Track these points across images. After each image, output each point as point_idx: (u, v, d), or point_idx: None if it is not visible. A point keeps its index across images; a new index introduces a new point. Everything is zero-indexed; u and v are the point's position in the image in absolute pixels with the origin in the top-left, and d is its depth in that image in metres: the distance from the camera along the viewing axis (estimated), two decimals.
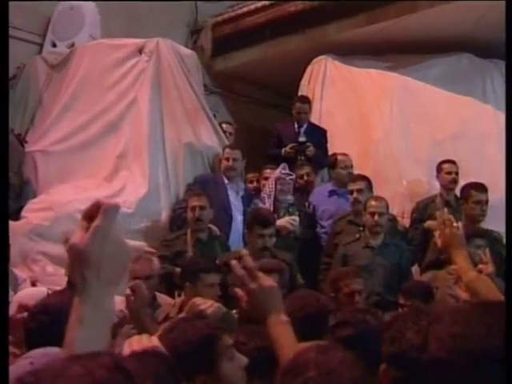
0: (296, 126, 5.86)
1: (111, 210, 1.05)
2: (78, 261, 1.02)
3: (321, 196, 5.40)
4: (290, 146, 5.65)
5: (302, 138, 5.71)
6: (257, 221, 4.22)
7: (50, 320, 1.80)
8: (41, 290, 3.20)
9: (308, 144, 5.64)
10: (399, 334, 1.41)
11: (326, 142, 5.85)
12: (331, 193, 5.37)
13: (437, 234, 2.39)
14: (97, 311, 1.02)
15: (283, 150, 5.67)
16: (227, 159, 5.16)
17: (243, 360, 1.83)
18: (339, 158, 5.41)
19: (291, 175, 5.13)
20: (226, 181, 5.16)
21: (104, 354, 0.89)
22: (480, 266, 2.78)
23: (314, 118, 6.07)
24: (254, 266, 1.58)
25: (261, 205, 4.95)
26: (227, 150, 5.25)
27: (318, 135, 5.81)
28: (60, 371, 0.82)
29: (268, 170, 5.45)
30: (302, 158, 5.63)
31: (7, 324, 1.45)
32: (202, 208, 4.49)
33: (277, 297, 1.58)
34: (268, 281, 1.58)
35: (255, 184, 5.58)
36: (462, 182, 4.96)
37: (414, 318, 1.41)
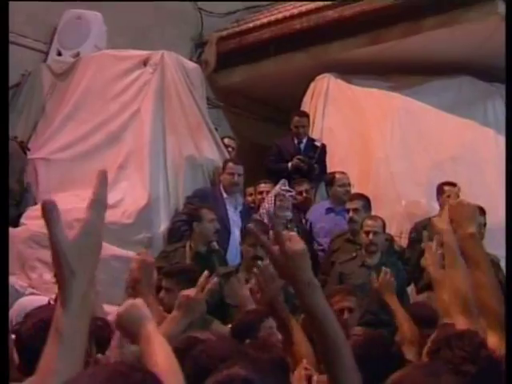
0: (296, 140, 5.93)
1: (98, 202, 1.07)
2: (65, 253, 1.03)
3: (318, 213, 5.44)
4: (298, 157, 5.69)
5: (317, 143, 5.83)
6: (247, 231, 4.33)
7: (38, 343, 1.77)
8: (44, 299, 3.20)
9: (315, 163, 5.71)
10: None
11: (325, 156, 5.90)
12: (328, 210, 5.41)
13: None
14: (81, 303, 1.04)
15: (290, 164, 5.71)
16: (231, 174, 5.18)
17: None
18: (337, 176, 5.47)
19: (291, 191, 5.17)
20: (224, 195, 5.19)
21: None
22: None
23: (316, 135, 6.11)
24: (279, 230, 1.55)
25: (258, 225, 4.95)
26: (231, 164, 5.27)
27: (318, 150, 5.86)
28: None
29: (262, 185, 5.49)
30: (305, 168, 5.66)
31: (7, 324, 1.46)
32: (212, 220, 4.60)
33: (306, 262, 1.53)
34: (296, 245, 1.53)
35: (253, 197, 5.61)
36: None
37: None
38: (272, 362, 1.80)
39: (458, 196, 2.04)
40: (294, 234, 1.59)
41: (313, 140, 5.99)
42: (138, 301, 1.59)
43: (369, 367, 1.57)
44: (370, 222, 4.52)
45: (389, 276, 3.46)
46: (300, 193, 5.55)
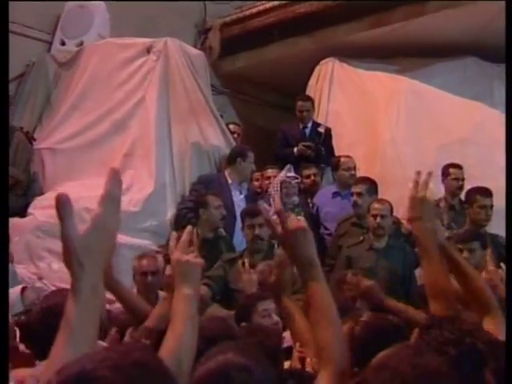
0: (301, 125, 5.92)
1: (109, 198, 1.09)
2: (75, 247, 1.06)
3: (324, 198, 5.43)
4: (304, 143, 5.69)
5: (321, 129, 5.80)
6: (245, 213, 4.40)
7: (56, 321, 1.77)
8: None
9: (321, 148, 5.71)
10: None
11: (331, 139, 5.88)
12: (335, 194, 5.40)
13: None
14: (91, 296, 1.07)
15: (296, 149, 5.70)
16: (251, 163, 5.25)
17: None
18: (342, 159, 5.45)
19: (297, 178, 5.16)
20: (229, 181, 5.19)
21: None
22: (485, 273, 2.78)
23: (321, 119, 6.10)
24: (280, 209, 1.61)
25: (265, 206, 4.95)
26: (251, 154, 5.29)
27: (323, 134, 5.84)
28: None
29: (269, 170, 5.50)
30: (312, 154, 5.67)
31: (7, 324, 1.48)
32: (219, 207, 4.64)
33: (307, 240, 1.59)
34: (296, 223, 1.59)
35: (260, 182, 5.62)
36: (468, 187, 4.97)
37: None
38: (261, 347, 1.82)
39: (427, 187, 2.08)
40: (293, 216, 1.63)
41: (318, 125, 5.97)
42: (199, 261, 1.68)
43: (369, 352, 1.59)
44: (377, 206, 4.50)
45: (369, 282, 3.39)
46: (308, 176, 5.55)
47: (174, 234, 1.81)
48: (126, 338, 2.02)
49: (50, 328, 1.28)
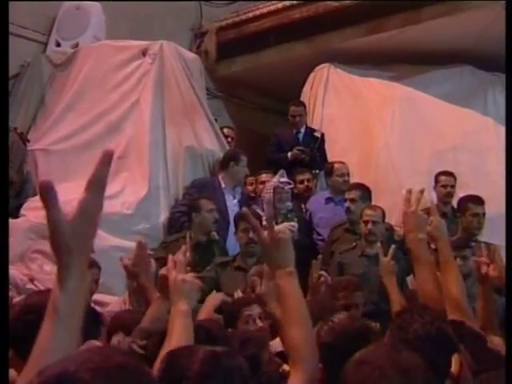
0: (294, 130, 5.93)
1: (95, 183, 1.07)
2: (63, 233, 1.04)
3: (317, 203, 5.43)
4: (298, 148, 5.69)
5: (317, 133, 5.82)
6: (239, 217, 4.42)
7: (36, 319, 1.76)
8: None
9: (316, 154, 5.73)
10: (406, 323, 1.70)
11: (324, 145, 5.88)
12: (328, 200, 5.40)
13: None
14: (79, 282, 1.05)
15: (290, 154, 5.71)
16: (244, 166, 5.27)
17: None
18: (336, 166, 5.46)
19: (290, 184, 5.16)
20: (223, 185, 5.19)
21: None
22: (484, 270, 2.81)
23: (316, 124, 6.11)
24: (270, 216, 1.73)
25: (259, 211, 4.98)
26: (242, 156, 5.31)
27: (316, 139, 5.85)
28: None
29: (264, 175, 5.49)
30: (306, 159, 5.67)
31: (7, 323, 1.47)
32: (211, 211, 4.64)
33: (287, 249, 1.65)
34: (281, 233, 1.67)
35: (254, 186, 5.62)
36: (461, 194, 4.99)
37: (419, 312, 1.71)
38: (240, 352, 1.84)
39: (419, 201, 2.37)
40: (284, 226, 1.70)
41: (312, 130, 5.98)
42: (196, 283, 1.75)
43: (335, 353, 1.67)
44: (369, 212, 4.51)
45: (389, 258, 3.42)
46: (301, 182, 5.56)
47: (171, 256, 1.87)
48: (114, 342, 2.02)
49: (30, 326, 1.29)
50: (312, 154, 5.73)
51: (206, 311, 2.70)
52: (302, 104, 6.04)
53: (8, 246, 1.97)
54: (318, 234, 5.31)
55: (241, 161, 5.23)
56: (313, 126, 6.08)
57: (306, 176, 5.58)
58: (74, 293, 1.04)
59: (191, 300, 1.76)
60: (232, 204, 5.16)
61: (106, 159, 1.07)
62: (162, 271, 2.18)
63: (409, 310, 1.85)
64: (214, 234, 4.69)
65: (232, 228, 4.87)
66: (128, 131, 5.37)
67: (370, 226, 4.44)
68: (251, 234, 4.17)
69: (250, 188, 5.61)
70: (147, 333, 2.06)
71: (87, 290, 1.10)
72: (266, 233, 1.65)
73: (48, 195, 1.04)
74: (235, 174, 5.22)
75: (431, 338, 1.72)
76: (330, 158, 5.82)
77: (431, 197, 5.20)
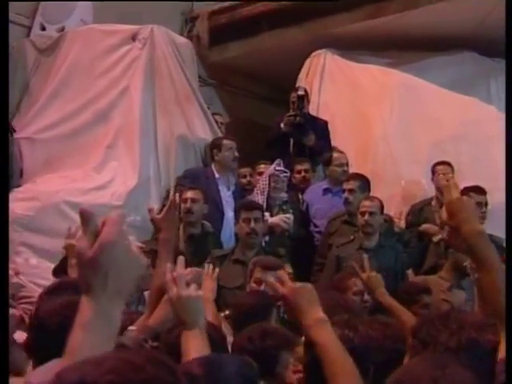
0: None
1: (118, 220, 1.04)
2: (84, 268, 1.00)
3: (314, 194, 5.40)
4: (289, 114, 5.61)
5: (300, 92, 5.70)
6: (242, 206, 4.38)
7: (58, 327, 1.68)
8: None
9: (304, 108, 5.62)
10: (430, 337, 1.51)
11: (329, 133, 5.83)
12: (325, 191, 5.37)
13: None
14: (102, 318, 0.99)
15: (282, 124, 5.62)
16: (230, 149, 5.17)
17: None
18: (334, 155, 5.42)
19: (286, 172, 5.12)
20: (216, 175, 5.15)
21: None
22: None
23: (312, 112, 6.04)
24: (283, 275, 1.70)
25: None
26: (226, 141, 5.23)
27: (320, 127, 5.79)
28: None
29: (262, 166, 5.44)
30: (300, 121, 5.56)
31: (7, 323, 1.41)
32: (193, 200, 4.52)
33: (311, 294, 1.63)
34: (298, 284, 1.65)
35: (248, 178, 5.58)
36: (462, 185, 4.94)
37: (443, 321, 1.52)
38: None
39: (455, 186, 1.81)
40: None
41: (314, 118, 5.90)
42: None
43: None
44: (366, 203, 4.48)
45: (374, 272, 3.34)
46: (299, 172, 5.52)
47: (169, 265, 1.80)
48: (127, 340, 1.96)
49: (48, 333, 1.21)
50: (304, 116, 5.62)
51: (210, 312, 2.65)
52: (304, 91, 5.93)
53: (8, 245, 1.90)
54: (315, 226, 5.28)
55: (223, 146, 5.17)
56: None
57: (304, 166, 5.54)
58: (96, 332, 0.98)
59: (201, 317, 1.71)
60: (226, 195, 5.11)
61: (119, 220, 1.04)
62: (156, 282, 2.13)
63: (429, 321, 1.64)
64: (209, 225, 4.66)
65: (227, 220, 4.86)
66: (117, 120, 5.31)
67: (367, 217, 4.41)
68: (252, 224, 4.13)
69: (243, 181, 5.57)
70: (154, 333, 2.01)
71: (114, 330, 1.02)
72: (282, 287, 1.64)
73: (85, 223, 1.02)
74: (222, 161, 5.17)
75: (464, 349, 1.54)
76: None
77: (432, 188, 5.21)
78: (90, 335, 0.96)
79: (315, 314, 1.58)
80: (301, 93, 5.72)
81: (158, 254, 2.45)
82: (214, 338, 1.89)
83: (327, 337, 1.54)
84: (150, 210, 2.64)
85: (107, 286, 0.99)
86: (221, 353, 1.83)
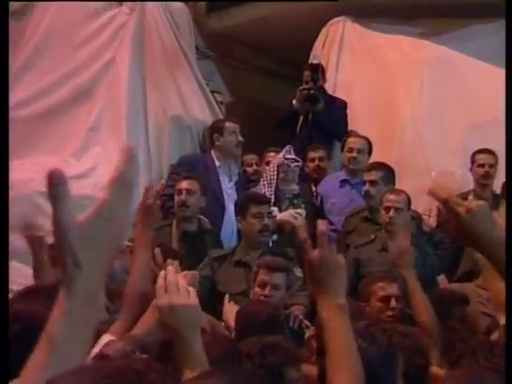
0: None
1: (121, 182, 1.07)
2: (71, 240, 1.01)
3: (330, 186, 5.43)
4: (301, 88, 5.64)
5: (315, 60, 5.75)
6: (250, 199, 4.36)
7: (22, 329, 1.76)
8: None
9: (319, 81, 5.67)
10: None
11: (346, 116, 5.84)
12: (343, 183, 5.40)
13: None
14: (86, 306, 1.01)
15: (294, 101, 5.67)
16: (233, 133, 5.19)
17: None
18: (348, 139, 5.44)
19: (297, 161, 5.13)
20: (217, 163, 5.19)
21: None
22: None
23: (328, 91, 6.06)
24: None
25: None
26: (229, 124, 5.25)
27: (338, 108, 5.81)
28: None
29: (271, 154, 5.47)
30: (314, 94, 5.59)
31: (7, 322, 1.46)
32: (189, 192, 4.54)
33: (340, 276, 1.66)
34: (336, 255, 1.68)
35: (254, 167, 5.62)
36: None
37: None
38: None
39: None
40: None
41: (332, 98, 5.92)
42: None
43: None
44: (391, 197, 4.47)
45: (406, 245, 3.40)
46: (312, 160, 5.55)
47: (162, 272, 1.81)
48: (111, 352, 1.98)
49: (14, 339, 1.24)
50: (318, 89, 5.66)
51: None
52: (320, 67, 5.95)
53: (8, 244, 1.96)
54: (331, 223, 5.26)
55: (225, 129, 5.20)
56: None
57: (319, 153, 5.55)
58: (76, 318, 1.00)
59: (197, 330, 1.72)
60: (227, 186, 5.15)
61: (128, 154, 1.08)
62: (131, 281, 2.14)
63: (451, 327, 1.72)
64: (206, 221, 4.68)
65: (228, 215, 4.87)
66: (101, 97, 5.33)
67: (391, 213, 4.41)
68: (266, 220, 4.14)
69: (249, 170, 5.59)
70: (141, 344, 2.02)
71: (96, 316, 1.06)
72: (315, 251, 1.65)
73: (57, 188, 1.02)
74: (224, 147, 5.19)
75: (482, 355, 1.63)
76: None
77: (468, 179, 5.21)
78: (71, 324, 0.99)
79: (337, 298, 1.61)
80: (315, 61, 5.76)
81: (133, 251, 2.49)
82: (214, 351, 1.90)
83: (341, 325, 1.58)
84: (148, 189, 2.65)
85: (98, 263, 1.02)
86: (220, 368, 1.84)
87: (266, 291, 3.51)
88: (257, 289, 3.56)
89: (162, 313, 1.71)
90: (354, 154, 5.29)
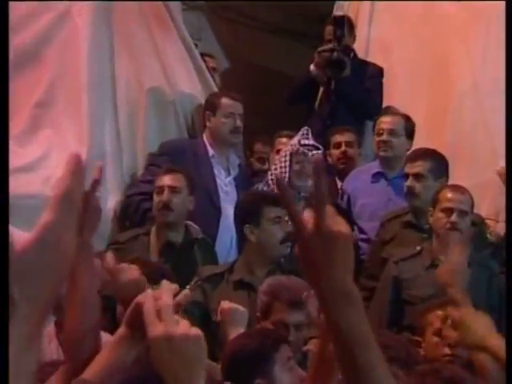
0: None
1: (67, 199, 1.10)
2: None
3: (360, 181, 5.48)
4: (321, 48, 5.72)
5: (339, 12, 5.85)
6: (264, 199, 4.39)
7: None
8: None
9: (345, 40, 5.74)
10: None
11: (382, 87, 5.90)
12: (376, 177, 5.46)
13: None
14: (21, 354, 1.04)
15: (312, 65, 5.74)
16: (230, 116, 5.19)
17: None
18: (380, 118, 5.47)
19: (317, 148, 5.11)
20: (211, 152, 5.20)
21: None
22: None
23: (359, 53, 6.10)
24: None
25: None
26: (226, 100, 5.25)
27: (370, 76, 5.89)
28: None
29: (283, 139, 5.51)
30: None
31: (7, 321, 1.49)
32: (173, 190, 4.57)
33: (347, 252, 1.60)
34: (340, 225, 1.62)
35: (260, 155, 5.82)
36: None
37: None
38: None
39: None
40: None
41: (361, 61, 5.97)
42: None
43: None
44: (450, 195, 4.48)
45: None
46: (337, 145, 5.58)
47: (150, 294, 1.80)
48: None
49: None
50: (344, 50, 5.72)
51: None
52: (347, 20, 5.97)
53: (8, 243, 1.99)
54: (361, 231, 5.37)
55: (220, 107, 5.22)
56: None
57: (345, 137, 5.61)
58: (11, 369, 1.02)
59: (202, 370, 1.69)
60: (224, 182, 5.20)
61: (76, 167, 1.09)
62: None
63: None
64: (197, 229, 4.71)
65: (225, 219, 4.88)
66: (52, 61, 5.29)
67: (454, 217, 4.41)
68: (288, 227, 4.12)
69: (258, 165, 5.72)
70: None
71: (35, 359, 1.08)
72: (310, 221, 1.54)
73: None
74: (215, 131, 5.24)
75: None
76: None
77: None
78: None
79: (344, 284, 1.54)
80: (340, 13, 5.85)
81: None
82: None
83: (353, 319, 1.55)
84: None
85: (38, 296, 1.06)
86: None
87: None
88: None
89: (155, 347, 1.67)
90: (384, 137, 5.31)
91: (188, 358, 1.66)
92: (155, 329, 1.67)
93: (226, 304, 3.58)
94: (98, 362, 2.13)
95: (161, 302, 1.73)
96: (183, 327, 1.67)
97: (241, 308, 3.52)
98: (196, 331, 1.68)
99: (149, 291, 1.92)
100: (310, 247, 1.54)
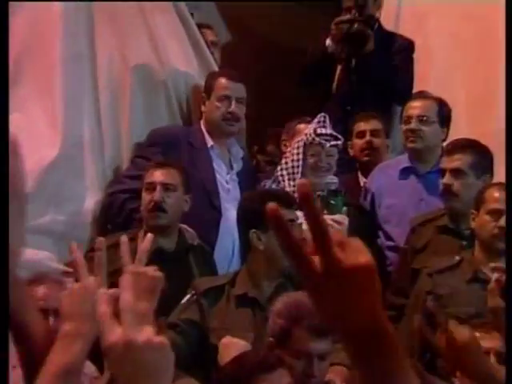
0: None
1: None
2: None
3: (387, 178, 5.52)
4: (338, 19, 5.80)
5: None
6: (275, 200, 4.25)
7: None
8: None
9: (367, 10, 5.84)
10: None
11: (413, 64, 5.95)
12: (406, 173, 5.48)
13: None
14: None
15: (328, 40, 5.84)
16: (224, 99, 5.22)
17: None
18: (410, 103, 5.47)
19: (335, 138, 5.13)
20: (209, 142, 5.25)
21: None
22: None
23: (385, 25, 6.15)
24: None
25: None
26: (223, 80, 5.28)
27: (398, 52, 5.93)
28: None
29: (302, 125, 5.50)
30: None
31: (7, 321, 1.59)
32: (166, 187, 4.61)
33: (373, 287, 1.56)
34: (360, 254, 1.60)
35: (272, 148, 5.92)
36: None
37: None
38: None
39: None
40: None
41: (388, 33, 6.04)
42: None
43: None
44: (498, 195, 4.46)
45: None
46: (361, 135, 5.63)
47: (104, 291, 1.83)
48: None
49: None
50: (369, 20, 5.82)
51: None
52: None
53: (8, 243, 2.05)
54: (387, 237, 5.39)
55: (214, 88, 5.28)
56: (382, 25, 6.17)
57: (370, 125, 5.66)
58: None
59: (169, 377, 1.66)
60: (225, 178, 5.26)
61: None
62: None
63: None
64: (193, 234, 4.78)
65: (226, 221, 4.92)
66: (17, 31, 5.23)
67: (502, 222, 4.37)
68: (305, 232, 4.12)
69: (263, 163, 5.77)
70: None
71: None
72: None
73: None
74: (209, 115, 5.32)
75: None
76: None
77: None
78: None
79: (372, 323, 1.48)
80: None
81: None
82: None
83: (390, 365, 1.51)
84: None
85: None
86: None
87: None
88: (294, 361, 3.48)
89: (112, 355, 1.62)
90: (413, 125, 5.31)
91: (152, 369, 1.63)
92: (112, 334, 1.63)
93: (226, 339, 3.68)
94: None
95: (121, 302, 1.71)
96: (146, 333, 1.64)
97: (242, 343, 3.61)
98: (161, 339, 1.65)
99: (102, 290, 1.95)
100: (323, 291, 1.46)
